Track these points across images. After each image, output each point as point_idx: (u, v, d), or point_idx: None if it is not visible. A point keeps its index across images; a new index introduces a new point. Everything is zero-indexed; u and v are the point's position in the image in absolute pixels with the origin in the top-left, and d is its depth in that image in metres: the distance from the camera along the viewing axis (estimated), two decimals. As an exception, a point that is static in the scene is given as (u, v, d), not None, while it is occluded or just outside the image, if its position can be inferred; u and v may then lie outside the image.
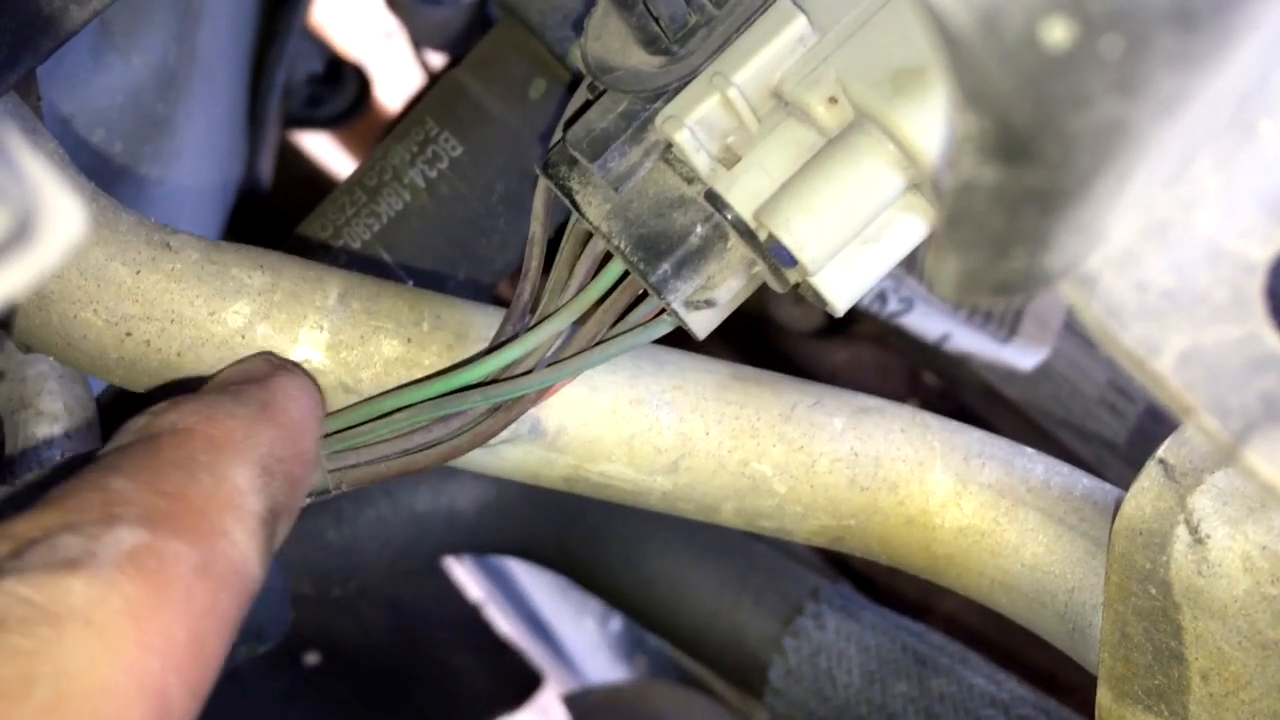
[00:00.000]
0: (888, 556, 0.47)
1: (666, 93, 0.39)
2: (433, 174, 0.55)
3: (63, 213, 0.22)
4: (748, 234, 0.38)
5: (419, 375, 0.43)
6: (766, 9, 0.38)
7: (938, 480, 0.45)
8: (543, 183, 0.42)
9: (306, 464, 0.38)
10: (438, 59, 0.92)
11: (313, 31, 0.92)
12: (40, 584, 0.28)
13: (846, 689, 0.63)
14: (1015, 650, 0.70)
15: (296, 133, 1.03)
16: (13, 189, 0.22)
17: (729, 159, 0.38)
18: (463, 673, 0.85)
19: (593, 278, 0.41)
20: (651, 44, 0.39)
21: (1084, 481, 0.45)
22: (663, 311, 0.40)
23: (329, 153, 1.12)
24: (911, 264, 0.74)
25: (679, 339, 0.42)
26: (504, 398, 0.41)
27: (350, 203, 0.56)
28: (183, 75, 0.64)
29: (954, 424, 0.46)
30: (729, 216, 0.38)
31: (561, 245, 0.42)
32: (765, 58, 0.37)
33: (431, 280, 0.56)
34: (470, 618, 0.90)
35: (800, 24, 0.37)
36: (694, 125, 0.37)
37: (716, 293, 0.40)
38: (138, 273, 0.41)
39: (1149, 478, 0.39)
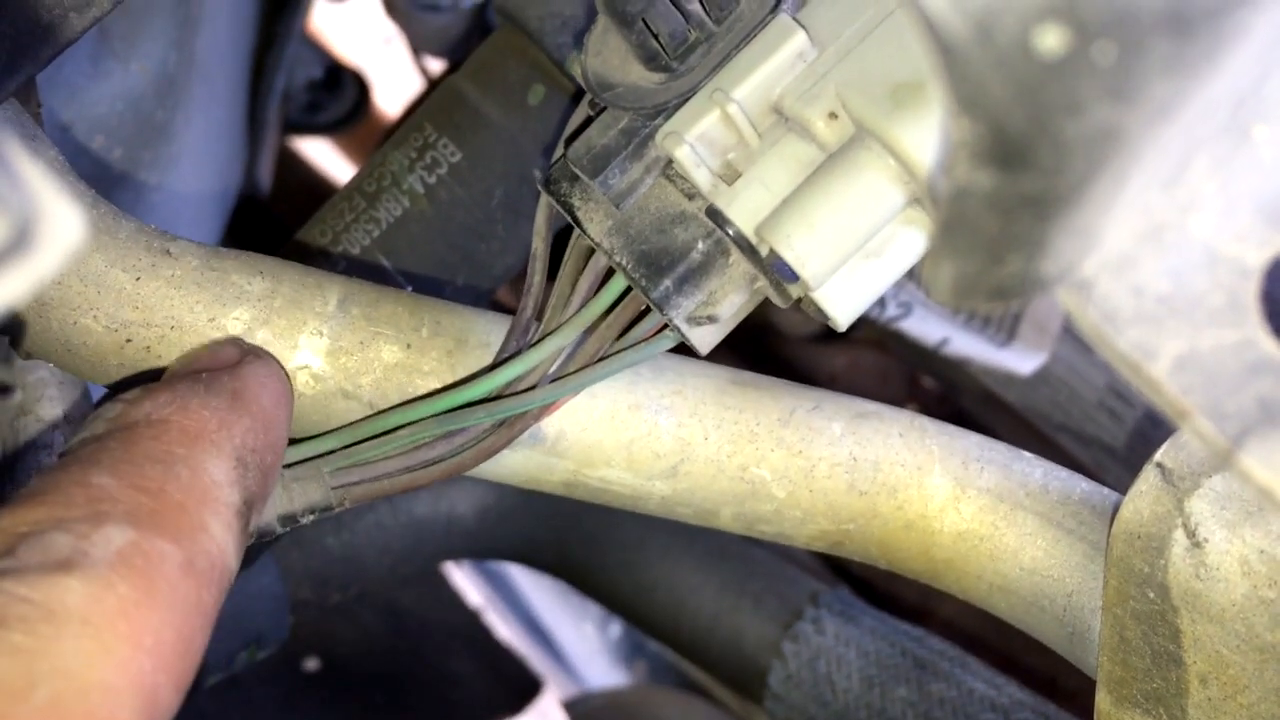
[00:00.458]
0: (887, 561, 0.47)
1: (667, 109, 0.39)
2: (432, 180, 0.56)
3: (62, 220, 0.23)
4: (749, 249, 0.38)
5: (419, 381, 0.43)
6: (766, 25, 0.38)
7: (936, 485, 0.45)
8: (544, 198, 0.42)
9: (278, 452, 0.38)
10: (437, 65, 0.92)
11: (312, 37, 0.92)
12: (38, 584, 0.29)
13: (846, 693, 0.63)
14: (1014, 654, 0.70)
15: (296, 138, 1.04)
16: (12, 196, 0.22)
17: (730, 175, 0.38)
18: (462, 678, 0.85)
19: (595, 293, 0.41)
20: (651, 61, 0.39)
21: (1082, 485, 0.45)
22: (665, 327, 0.41)
23: (328, 158, 1.12)
24: (910, 270, 0.74)
25: (679, 346, 0.42)
26: (507, 413, 0.41)
27: (349, 208, 0.56)
28: (182, 81, 0.64)
29: (952, 428, 0.46)
30: (730, 232, 0.38)
31: (564, 260, 0.42)
32: (765, 73, 0.37)
33: (431, 286, 0.56)
34: (470, 623, 0.90)
35: (800, 39, 0.37)
36: (694, 141, 0.38)
37: (719, 308, 0.40)
38: (138, 279, 0.41)
39: (1147, 482, 0.39)
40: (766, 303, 0.41)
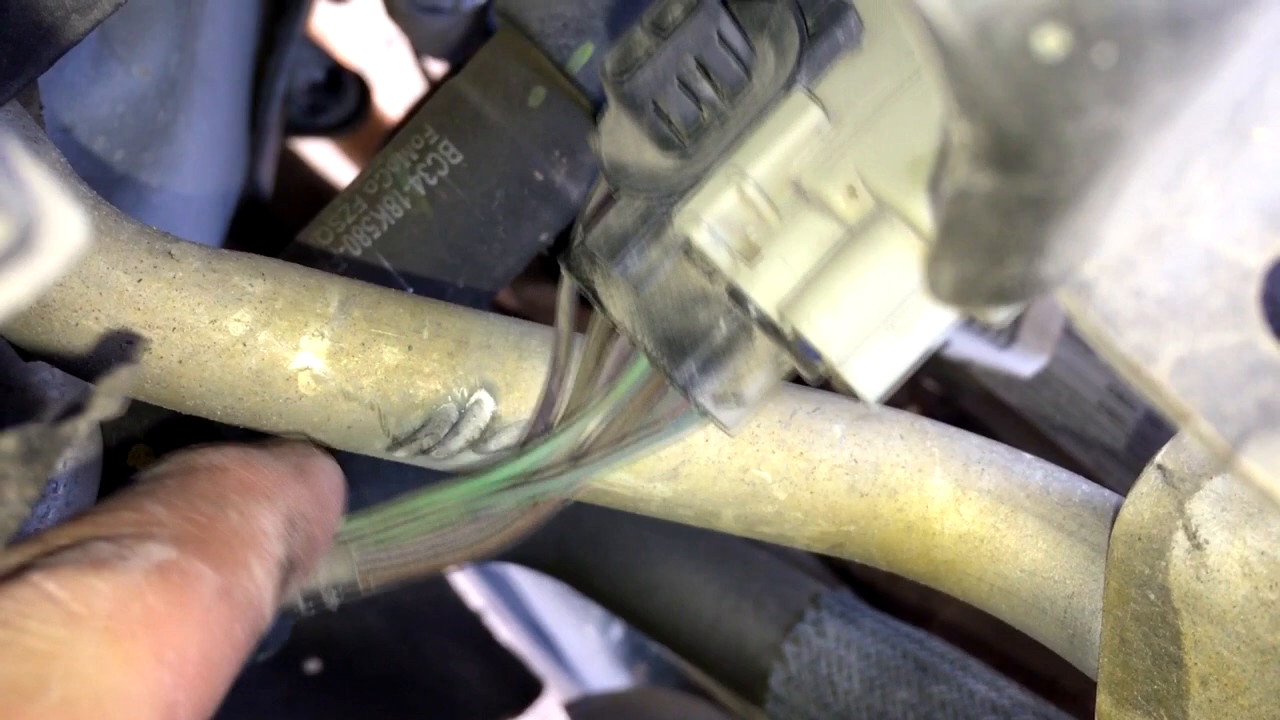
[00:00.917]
0: (887, 562, 0.47)
1: (682, 191, 0.38)
2: (433, 181, 0.56)
3: (64, 222, 0.23)
4: (772, 329, 0.37)
5: (420, 382, 0.43)
6: (780, 102, 0.37)
7: (937, 486, 0.45)
8: (566, 278, 0.42)
9: (326, 533, 0.38)
10: (438, 67, 0.92)
11: (313, 39, 0.92)
12: (66, 580, 0.29)
13: (847, 695, 0.63)
14: (1015, 656, 0.70)
15: (297, 140, 1.04)
16: (15, 199, 0.22)
17: (750, 253, 0.37)
18: (463, 680, 0.85)
19: (619, 370, 0.41)
20: (665, 144, 0.38)
21: (1083, 487, 0.45)
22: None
23: (329, 160, 1.12)
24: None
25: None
26: (533, 496, 0.42)
27: (350, 210, 0.56)
28: (183, 83, 0.64)
29: (953, 430, 0.47)
30: (752, 312, 0.37)
31: (588, 338, 0.42)
32: (781, 150, 0.36)
33: (432, 288, 0.56)
34: (471, 625, 0.90)
35: (815, 115, 0.36)
36: (712, 222, 0.37)
37: (744, 388, 0.39)
38: (139, 281, 0.41)
39: (1147, 483, 0.39)
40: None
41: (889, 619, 0.66)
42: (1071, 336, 0.81)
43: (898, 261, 0.34)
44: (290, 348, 0.42)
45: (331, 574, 0.41)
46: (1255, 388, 0.26)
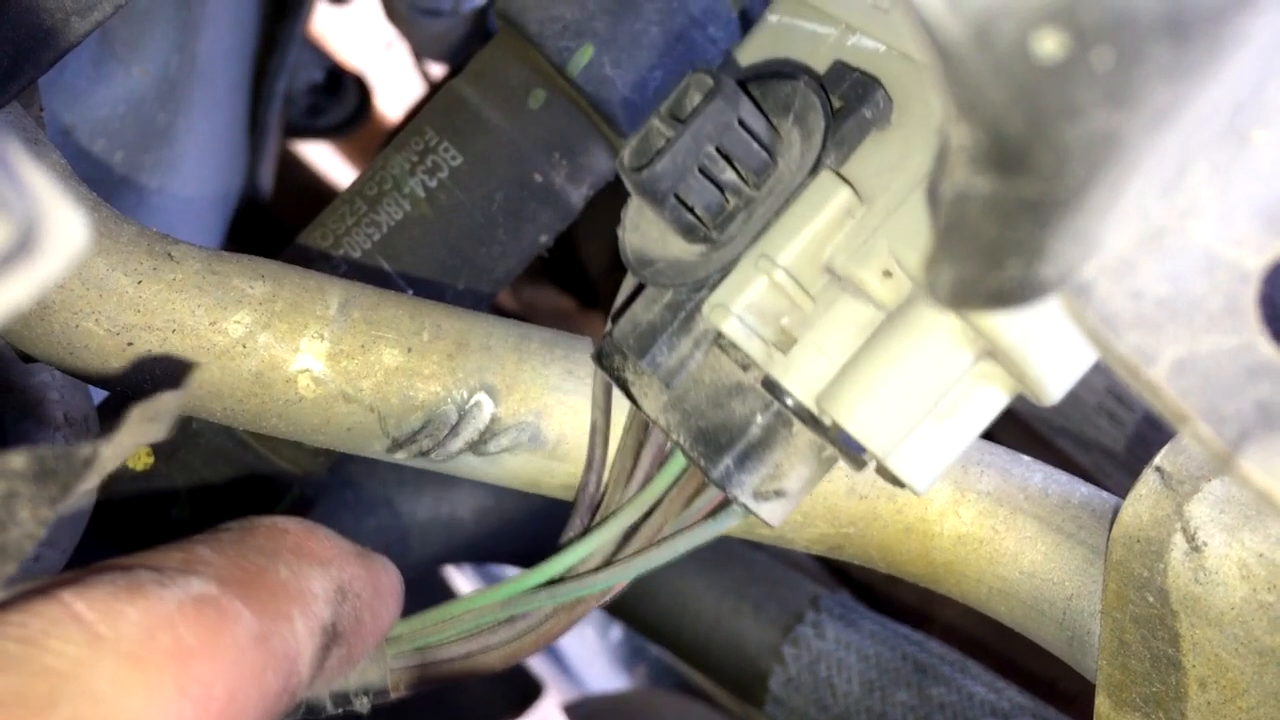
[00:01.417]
0: (886, 564, 0.47)
1: (710, 281, 0.36)
2: (433, 183, 0.56)
3: (66, 225, 0.23)
4: (812, 421, 0.35)
5: (420, 384, 0.43)
6: (808, 185, 0.35)
7: (936, 488, 0.45)
8: (598, 373, 0.41)
9: (378, 622, 0.37)
10: (438, 69, 0.92)
11: (313, 41, 0.92)
12: (95, 601, 0.28)
13: (846, 697, 0.63)
14: (1015, 658, 0.70)
15: (297, 142, 1.04)
16: (16, 202, 0.22)
17: (784, 341, 0.35)
18: (451, 677, 0.85)
19: (656, 466, 0.40)
20: (690, 234, 0.36)
21: (1082, 489, 0.45)
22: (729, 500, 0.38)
23: (329, 162, 1.12)
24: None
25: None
26: (570, 598, 0.41)
27: (350, 212, 0.56)
28: (183, 85, 0.64)
29: (952, 432, 0.46)
30: (789, 404, 0.35)
31: (623, 434, 0.41)
32: (811, 234, 0.35)
33: (431, 290, 0.56)
34: (470, 626, 0.90)
35: (845, 196, 0.34)
36: (742, 312, 0.35)
37: (785, 482, 0.37)
38: (139, 282, 0.41)
39: (1146, 485, 0.39)
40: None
41: (888, 621, 0.66)
42: (1071, 339, 0.80)
43: (939, 347, 0.32)
44: (290, 350, 0.42)
45: (363, 677, 0.40)
46: (1254, 390, 0.26)
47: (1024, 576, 0.44)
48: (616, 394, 0.42)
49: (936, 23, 0.20)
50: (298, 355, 0.42)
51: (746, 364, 0.37)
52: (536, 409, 0.44)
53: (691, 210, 0.36)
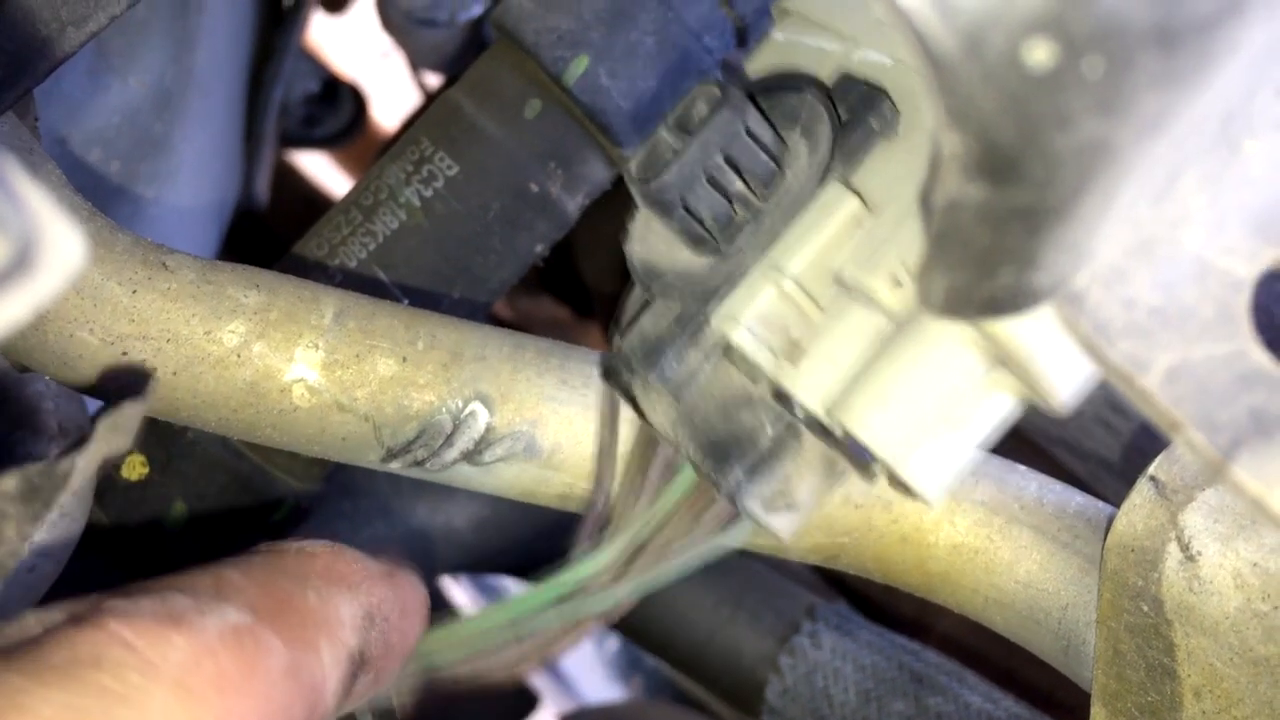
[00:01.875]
0: (882, 574, 0.47)
1: (719, 292, 0.36)
2: (428, 193, 0.56)
3: (63, 240, 0.23)
4: (822, 431, 0.35)
5: (415, 394, 0.43)
6: (816, 195, 0.35)
7: (931, 497, 0.45)
8: (605, 388, 0.41)
9: (406, 643, 0.38)
10: (434, 79, 0.92)
11: (309, 51, 0.92)
12: (144, 631, 0.29)
13: (843, 707, 0.63)
14: (1012, 669, 0.70)
15: (293, 152, 1.04)
16: (13, 217, 0.22)
17: (794, 352, 0.35)
18: (457, 694, 0.85)
19: (664, 480, 0.40)
20: (698, 244, 0.37)
21: (1077, 499, 0.45)
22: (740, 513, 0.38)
23: (325, 172, 1.12)
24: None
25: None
26: (579, 615, 0.41)
27: (346, 222, 0.56)
28: (179, 95, 0.64)
29: (947, 441, 0.46)
30: (799, 414, 0.35)
31: (631, 448, 0.41)
32: (819, 243, 0.35)
33: (427, 299, 0.56)
34: (466, 637, 0.90)
35: (853, 205, 0.34)
36: (751, 323, 0.35)
37: (796, 492, 0.37)
38: (134, 292, 0.41)
39: (1140, 495, 0.39)
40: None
41: (885, 631, 0.66)
42: (1066, 348, 0.80)
43: (950, 355, 0.32)
44: (285, 359, 0.42)
45: (373, 697, 0.40)
46: (1246, 397, 0.26)
47: (1019, 586, 0.44)
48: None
49: (928, 32, 0.20)
50: (292, 365, 0.42)
51: (755, 376, 0.36)
52: (531, 419, 0.44)
53: (700, 221, 0.36)
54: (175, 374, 0.42)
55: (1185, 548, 0.38)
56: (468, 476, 0.44)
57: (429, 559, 0.70)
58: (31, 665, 0.28)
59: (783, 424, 0.36)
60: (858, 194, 0.34)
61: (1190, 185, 0.26)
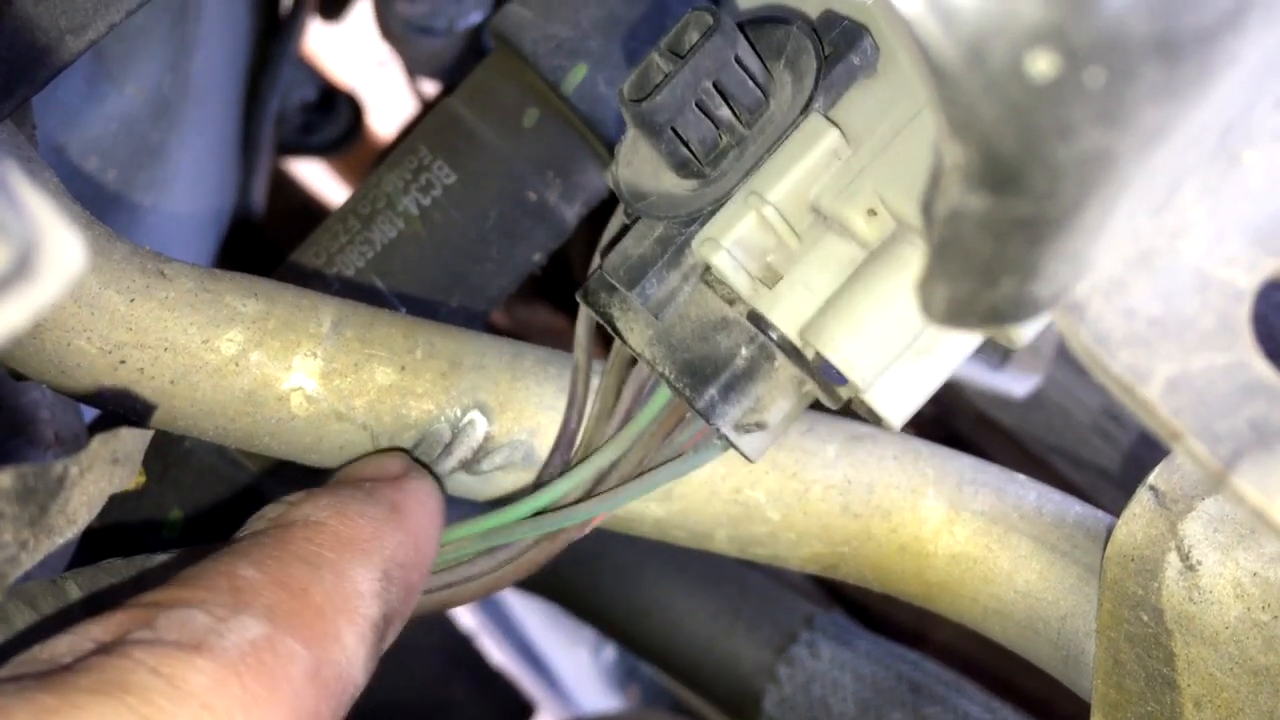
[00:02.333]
0: (881, 583, 0.47)
1: (701, 216, 0.38)
2: (426, 202, 0.56)
3: (62, 247, 0.23)
4: (794, 354, 0.37)
5: (412, 403, 0.43)
6: (798, 126, 0.37)
7: (930, 507, 0.45)
8: (583, 309, 0.41)
9: (424, 572, 0.39)
10: (431, 87, 0.92)
11: (306, 59, 0.92)
12: (168, 658, 0.30)
13: (841, 717, 0.63)
14: (1010, 678, 0.70)
15: (290, 160, 1.04)
16: (13, 224, 0.22)
17: (770, 277, 0.37)
18: (455, 703, 0.85)
19: (638, 402, 0.41)
20: (683, 168, 0.38)
21: (1076, 508, 0.45)
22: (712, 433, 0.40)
23: (322, 180, 1.12)
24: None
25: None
26: (551, 529, 0.41)
27: (344, 230, 0.56)
28: (176, 103, 0.64)
29: (946, 451, 0.47)
30: (774, 337, 0.37)
31: (605, 371, 0.42)
32: (800, 174, 0.36)
33: (425, 308, 0.56)
34: (463, 648, 0.90)
35: (833, 138, 0.36)
36: (731, 246, 0.37)
37: (767, 415, 0.39)
38: (131, 301, 0.41)
39: (1140, 504, 0.39)
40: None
41: (883, 641, 0.66)
42: (1065, 357, 0.81)
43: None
44: (282, 368, 0.42)
45: None
46: (1247, 408, 0.26)
47: (1018, 595, 0.44)
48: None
49: (930, 42, 0.20)
50: (290, 373, 0.42)
51: (732, 299, 0.38)
52: (530, 427, 0.44)
53: (686, 145, 0.37)
54: (173, 383, 0.42)
55: (1185, 557, 0.38)
56: (466, 485, 0.44)
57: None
58: (62, 687, 0.28)
59: (757, 346, 0.38)
60: (838, 127, 0.36)
61: (1190, 196, 0.26)
